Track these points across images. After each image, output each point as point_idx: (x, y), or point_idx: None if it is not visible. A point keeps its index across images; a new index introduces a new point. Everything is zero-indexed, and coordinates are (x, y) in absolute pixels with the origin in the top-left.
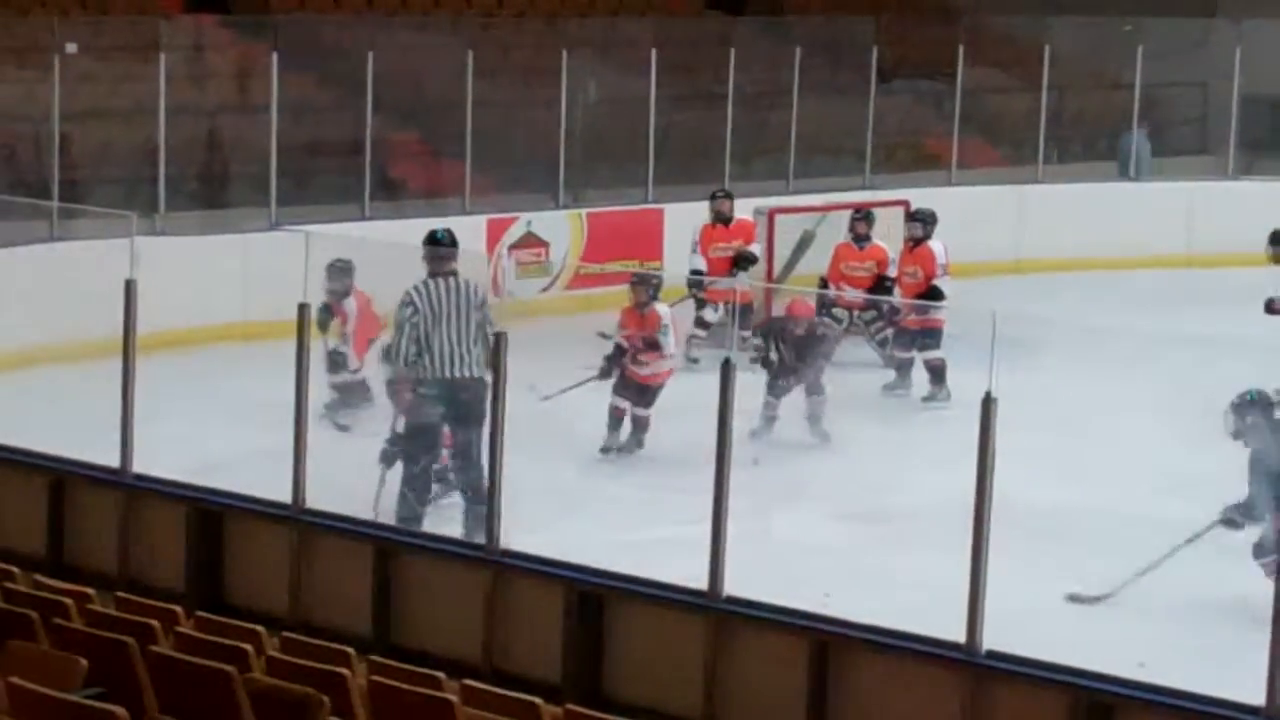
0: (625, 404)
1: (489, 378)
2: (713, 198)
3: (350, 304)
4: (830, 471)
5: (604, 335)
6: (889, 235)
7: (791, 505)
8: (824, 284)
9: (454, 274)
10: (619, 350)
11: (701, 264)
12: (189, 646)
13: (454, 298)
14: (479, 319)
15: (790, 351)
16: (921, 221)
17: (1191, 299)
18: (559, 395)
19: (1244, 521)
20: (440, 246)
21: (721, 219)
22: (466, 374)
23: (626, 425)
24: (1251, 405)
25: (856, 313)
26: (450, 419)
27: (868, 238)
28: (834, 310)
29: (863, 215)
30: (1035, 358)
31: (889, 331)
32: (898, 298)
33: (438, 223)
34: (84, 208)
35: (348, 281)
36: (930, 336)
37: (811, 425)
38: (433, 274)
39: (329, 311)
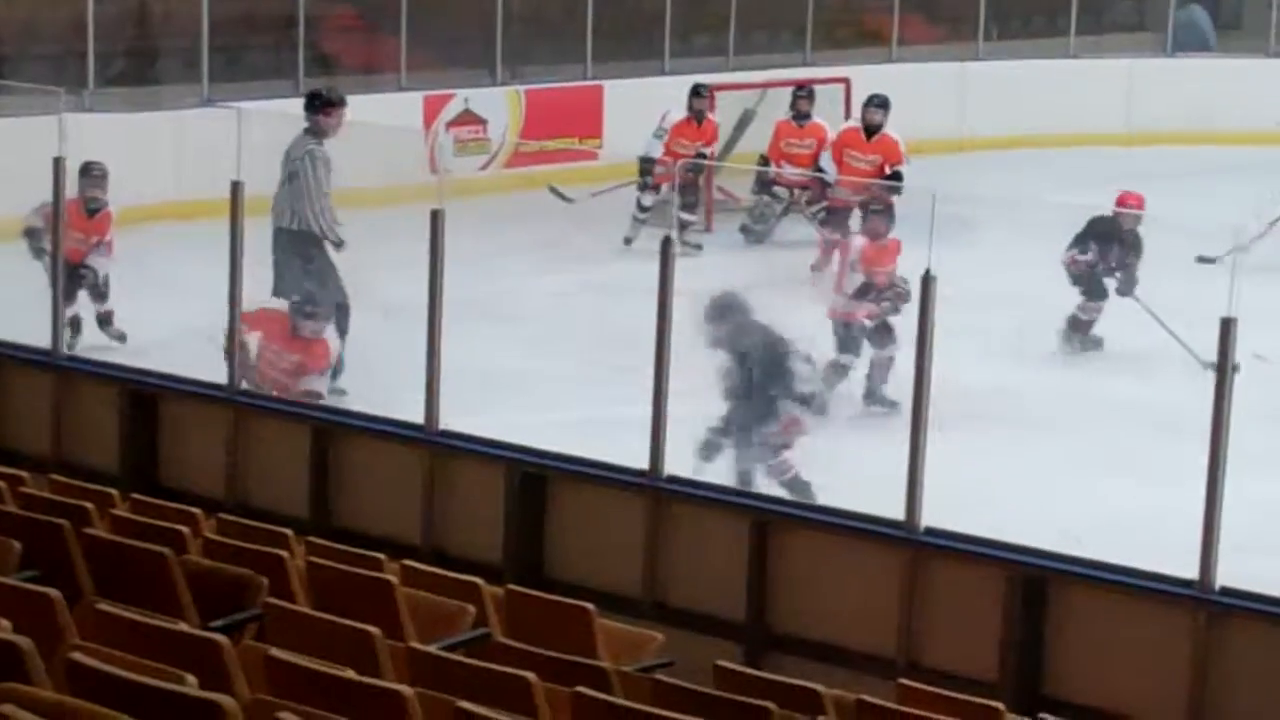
0: None
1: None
2: (696, 94)
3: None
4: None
5: (555, 191)
6: (828, 113)
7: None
8: (764, 161)
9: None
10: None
11: (658, 152)
12: (124, 529)
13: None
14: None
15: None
16: (882, 107)
17: (1131, 176)
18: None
19: None
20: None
21: (697, 117)
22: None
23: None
24: None
25: (797, 190)
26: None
27: (808, 115)
28: (774, 189)
29: (805, 93)
30: (976, 235)
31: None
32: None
33: (373, 99)
34: (10, 84)
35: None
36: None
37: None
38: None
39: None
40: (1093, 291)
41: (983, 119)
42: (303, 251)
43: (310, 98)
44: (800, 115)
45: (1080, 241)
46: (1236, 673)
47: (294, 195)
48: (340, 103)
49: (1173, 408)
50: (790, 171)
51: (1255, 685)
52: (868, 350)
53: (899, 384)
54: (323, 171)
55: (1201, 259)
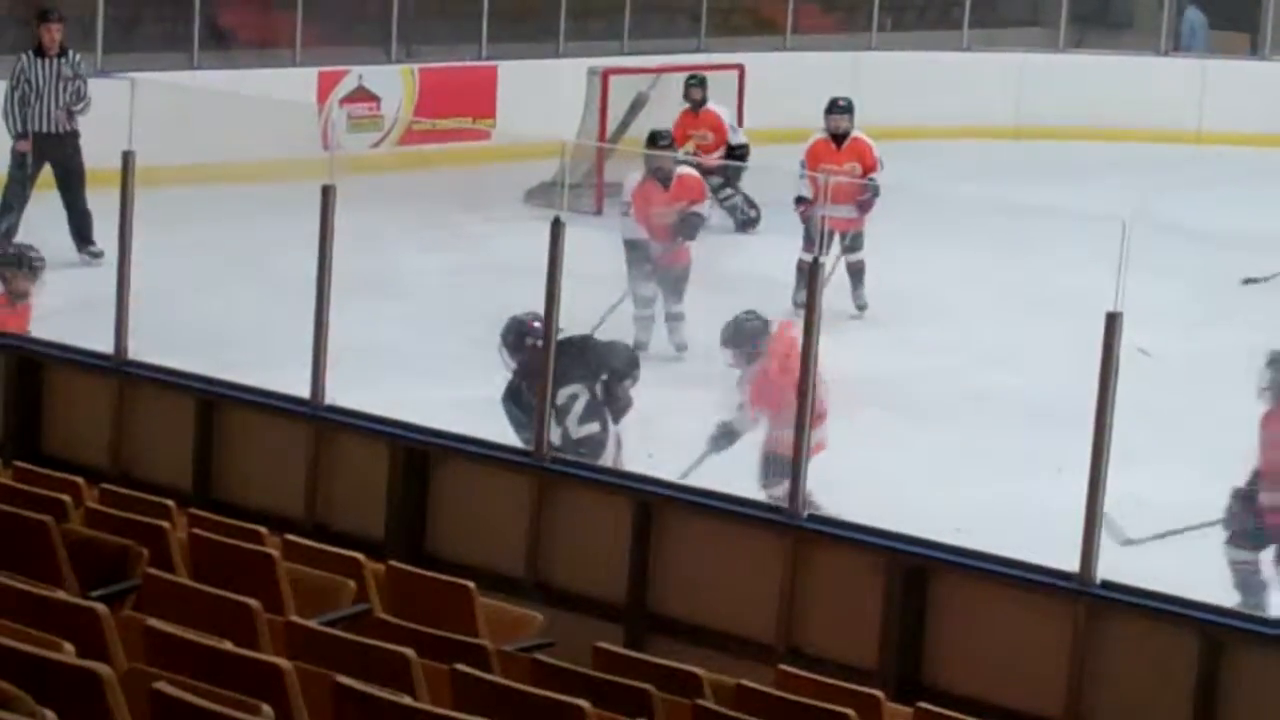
0: None
1: None
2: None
3: None
4: (662, 338)
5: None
6: (723, 99)
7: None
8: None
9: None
10: None
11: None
12: (5, 497)
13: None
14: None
15: None
16: (847, 111)
17: (1018, 170)
18: None
19: None
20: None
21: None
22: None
23: None
24: None
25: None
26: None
27: (704, 102)
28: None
29: (696, 80)
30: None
31: (737, 198)
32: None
33: (268, 74)
34: None
35: None
36: (856, 238)
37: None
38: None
39: None
40: None
41: (874, 109)
42: None
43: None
44: (695, 103)
45: None
46: (1115, 665)
47: None
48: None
49: (1049, 400)
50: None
51: (1133, 678)
52: None
53: None
54: None
55: (1249, 280)
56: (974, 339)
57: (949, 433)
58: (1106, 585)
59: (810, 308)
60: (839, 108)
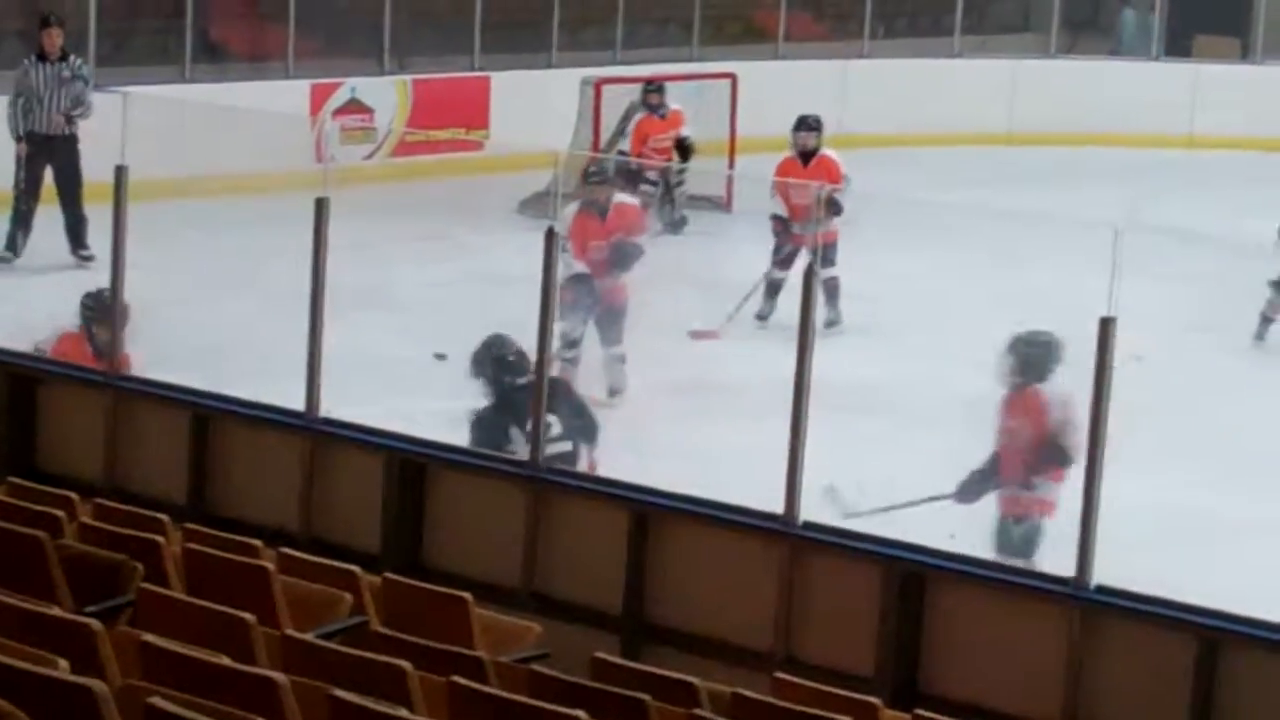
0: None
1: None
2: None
3: None
4: (653, 344)
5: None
6: (715, 109)
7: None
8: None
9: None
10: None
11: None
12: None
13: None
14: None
15: None
16: (815, 129)
17: (1011, 176)
18: None
19: None
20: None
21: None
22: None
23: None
24: None
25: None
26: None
27: (664, 105)
28: (648, 175)
29: (655, 87)
30: (857, 232)
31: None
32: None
33: (260, 86)
34: None
35: None
36: (830, 251)
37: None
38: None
39: None
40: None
41: (866, 116)
42: None
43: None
44: (656, 107)
45: None
46: (1112, 670)
47: None
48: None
49: None
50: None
51: (1130, 683)
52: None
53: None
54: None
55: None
56: (966, 345)
57: (941, 439)
58: (1102, 590)
59: (805, 317)
60: (807, 125)
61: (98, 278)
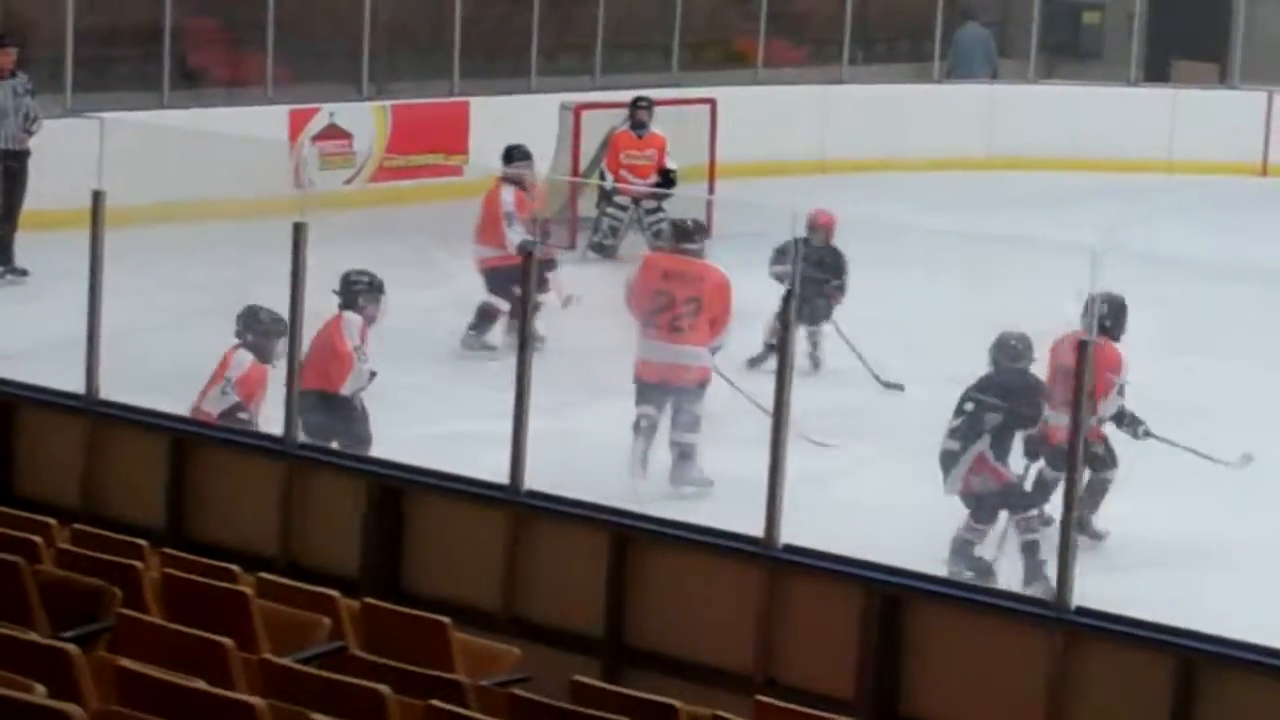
0: None
1: None
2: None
3: None
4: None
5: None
6: (695, 133)
7: (592, 402)
8: (602, 175)
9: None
10: None
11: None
12: None
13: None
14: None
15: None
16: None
17: (990, 201)
18: None
19: None
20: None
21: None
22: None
23: None
24: None
25: (641, 203)
26: None
27: (646, 125)
28: (616, 198)
29: (645, 103)
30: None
31: (665, 224)
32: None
33: (239, 112)
34: None
35: None
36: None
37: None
38: None
39: None
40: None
41: (845, 141)
42: None
43: None
44: (638, 125)
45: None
46: (1092, 692)
47: None
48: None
49: None
50: (636, 183)
51: (1110, 704)
52: None
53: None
54: None
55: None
56: (946, 369)
57: (921, 463)
58: (1081, 611)
59: (784, 341)
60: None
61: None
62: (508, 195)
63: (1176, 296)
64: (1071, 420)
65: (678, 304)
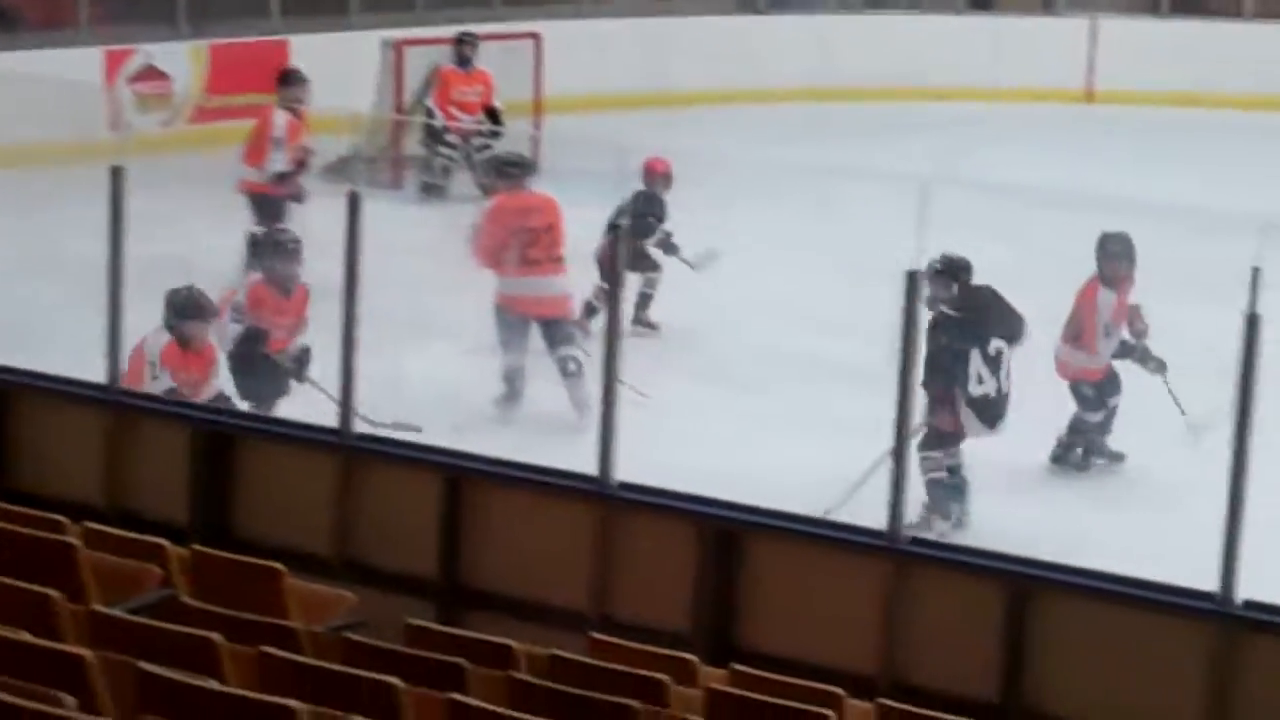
0: None
1: None
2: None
3: None
4: (460, 308)
5: None
6: (520, 68)
7: (423, 343)
8: (429, 113)
9: None
10: None
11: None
12: None
13: None
14: None
15: None
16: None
17: (824, 131)
18: None
19: None
20: None
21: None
22: None
23: None
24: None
25: (471, 140)
26: None
27: (471, 61)
28: (448, 136)
29: (469, 38)
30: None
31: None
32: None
33: (53, 54)
34: None
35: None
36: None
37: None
38: None
39: None
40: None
41: (678, 75)
42: None
43: None
44: (463, 61)
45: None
46: (925, 619)
47: None
48: None
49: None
50: (465, 120)
51: (943, 631)
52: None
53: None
54: None
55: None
56: (783, 301)
57: (759, 397)
58: (916, 542)
59: (614, 278)
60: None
61: None
62: (280, 119)
63: (1011, 225)
64: (901, 360)
65: (540, 235)
